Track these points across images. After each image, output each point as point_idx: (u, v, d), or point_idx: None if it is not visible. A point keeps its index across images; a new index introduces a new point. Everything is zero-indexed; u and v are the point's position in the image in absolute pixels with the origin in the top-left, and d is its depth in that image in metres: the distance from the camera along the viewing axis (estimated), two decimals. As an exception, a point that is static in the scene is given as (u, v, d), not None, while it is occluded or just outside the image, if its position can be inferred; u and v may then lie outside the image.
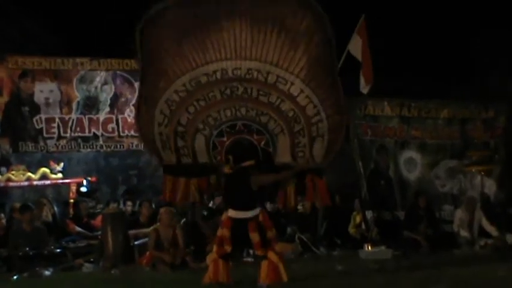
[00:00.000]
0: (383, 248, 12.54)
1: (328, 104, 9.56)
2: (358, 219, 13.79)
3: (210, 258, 8.91)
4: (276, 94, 9.37)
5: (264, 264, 8.88)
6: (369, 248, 12.53)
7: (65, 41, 14.66)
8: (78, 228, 12.93)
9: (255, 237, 8.85)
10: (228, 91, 9.31)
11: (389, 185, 14.39)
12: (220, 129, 9.37)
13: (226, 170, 8.99)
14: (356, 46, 13.17)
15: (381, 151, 14.35)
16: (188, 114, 9.27)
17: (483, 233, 13.39)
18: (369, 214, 13.68)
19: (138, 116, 9.41)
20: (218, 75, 9.22)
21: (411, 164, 14.54)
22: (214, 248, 8.88)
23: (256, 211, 8.87)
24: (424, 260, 11.60)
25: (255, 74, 9.26)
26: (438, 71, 15.04)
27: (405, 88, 14.49)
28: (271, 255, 8.84)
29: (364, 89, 13.25)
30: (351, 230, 13.80)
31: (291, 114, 9.46)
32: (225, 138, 9.35)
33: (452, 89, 14.52)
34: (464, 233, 13.40)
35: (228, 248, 8.87)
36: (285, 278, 8.81)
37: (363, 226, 13.65)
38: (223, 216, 9.02)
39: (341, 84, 9.67)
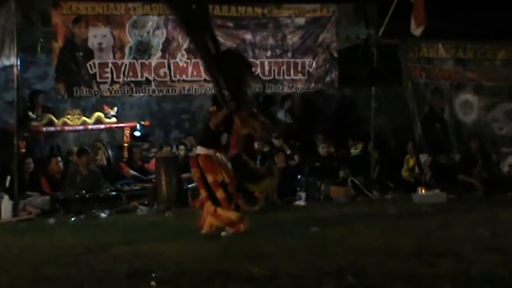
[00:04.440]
0: (437, 191, 12.60)
1: None
2: (411, 162, 13.78)
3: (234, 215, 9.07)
4: None
5: (204, 210, 9.18)
6: (423, 191, 12.60)
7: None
8: (132, 172, 13.22)
9: (194, 172, 9.20)
10: None
11: (444, 128, 14.30)
12: None
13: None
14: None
15: (436, 94, 14.23)
16: None
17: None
18: (423, 157, 13.66)
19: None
20: None
21: (467, 107, 14.41)
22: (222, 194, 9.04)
23: (204, 150, 9.11)
24: (479, 204, 11.62)
25: None
26: (495, 11, 14.72)
27: (461, 29, 14.26)
28: (207, 204, 9.08)
29: (415, 31, 13.07)
30: (404, 173, 13.81)
31: None
32: None
33: (510, 30, 14.23)
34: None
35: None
36: (204, 229, 9.02)
37: (417, 169, 13.66)
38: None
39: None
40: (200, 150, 9.21)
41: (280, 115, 15.53)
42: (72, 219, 10.79)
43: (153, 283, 6.06)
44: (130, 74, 12.36)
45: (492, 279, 5.93)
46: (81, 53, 12.14)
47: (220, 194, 8.91)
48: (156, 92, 12.73)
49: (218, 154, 9.09)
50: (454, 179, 13.27)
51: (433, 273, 6.22)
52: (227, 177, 9.01)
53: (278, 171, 12.16)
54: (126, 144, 13.96)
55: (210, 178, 8.97)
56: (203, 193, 9.13)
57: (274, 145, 14.06)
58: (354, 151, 14.44)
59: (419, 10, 12.88)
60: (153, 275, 6.35)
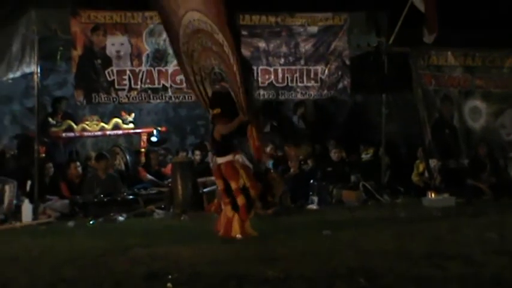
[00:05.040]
0: (446, 195, 12.57)
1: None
2: (421, 167, 13.75)
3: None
4: (216, 42, 8.93)
5: (222, 215, 9.06)
6: (432, 195, 12.57)
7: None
8: (149, 176, 13.25)
9: (218, 183, 9.12)
10: (200, 41, 9.17)
11: (454, 133, 14.29)
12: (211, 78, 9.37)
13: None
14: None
15: (445, 100, 14.22)
16: (196, 64, 9.42)
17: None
18: (433, 162, 13.63)
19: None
20: (190, 26, 9.12)
21: (476, 113, 14.38)
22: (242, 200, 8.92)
23: (224, 159, 8.98)
24: (487, 208, 11.58)
25: (202, 23, 8.92)
26: (503, 19, 14.70)
27: (469, 37, 14.25)
28: (227, 209, 8.95)
29: (428, 39, 13.09)
30: (414, 178, 13.78)
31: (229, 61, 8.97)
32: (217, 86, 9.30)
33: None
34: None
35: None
36: (235, 233, 8.81)
37: (426, 174, 13.63)
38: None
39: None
40: (220, 160, 9.06)
41: (294, 121, 15.55)
42: (91, 222, 10.82)
43: (169, 285, 6.07)
44: (148, 81, 12.40)
45: (500, 281, 5.90)
46: (99, 61, 12.18)
47: (240, 200, 8.83)
48: (173, 98, 12.75)
49: (238, 156, 9.01)
50: (463, 184, 13.25)
51: (442, 275, 6.20)
52: (248, 181, 8.95)
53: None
54: (143, 150, 14.00)
55: (233, 185, 8.87)
56: (225, 199, 9.02)
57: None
58: (365, 156, 14.41)
59: (431, 18, 12.88)
60: (170, 277, 6.36)
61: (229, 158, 8.96)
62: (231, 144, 9.10)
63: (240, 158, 8.99)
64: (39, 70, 11.85)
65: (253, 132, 8.91)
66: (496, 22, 14.77)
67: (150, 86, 12.43)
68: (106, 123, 13.75)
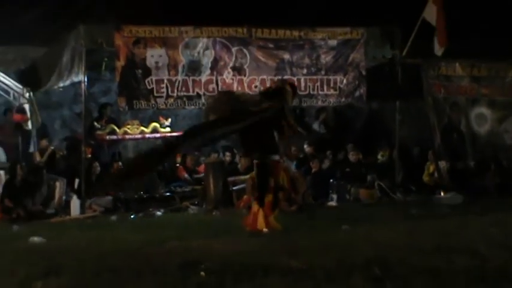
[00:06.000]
0: (454, 194, 12.50)
1: None
2: (431, 168, 13.68)
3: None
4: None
5: (251, 211, 8.87)
6: (442, 194, 12.54)
7: (172, 11, 14.83)
8: (186, 175, 13.32)
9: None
10: None
11: (461, 138, 14.22)
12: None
13: None
14: (431, 13, 12.96)
15: (454, 107, 14.15)
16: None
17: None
18: (442, 164, 13.56)
19: None
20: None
21: (482, 119, 14.29)
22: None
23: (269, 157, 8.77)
24: (492, 206, 11.47)
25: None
26: (507, 33, 14.62)
27: (475, 50, 14.17)
28: (254, 204, 8.77)
29: (438, 51, 13.07)
30: (425, 178, 13.73)
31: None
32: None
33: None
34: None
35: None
36: (261, 227, 8.57)
37: (436, 175, 13.56)
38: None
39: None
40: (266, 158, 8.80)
41: (315, 126, 15.54)
42: (132, 216, 10.91)
43: (202, 273, 6.08)
44: (183, 89, 12.48)
45: (505, 274, 5.85)
46: (140, 71, 12.28)
47: (268, 197, 8.68)
48: (206, 105, 12.80)
49: (282, 159, 8.95)
50: (469, 183, 13.17)
51: (450, 267, 6.15)
52: (286, 182, 8.92)
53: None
54: (179, 152, 14.05)
55: (271, 182, 8.69)
56: (255, 194, 8.88)
57: (305, 152, 14.11)
58: (380, 158, 14.38)
59: (441, 33, 12.86)
60: (202, 266, 6.37)
61: (276, 157, 8.84)
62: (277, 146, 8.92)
63: (285, 162, 8.92)
64: (86, 79, 12.02)
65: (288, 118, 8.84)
66: (500, 33, 14.70)
67: (185, 93, 12.51)
68: (145, 127, 13.81)
